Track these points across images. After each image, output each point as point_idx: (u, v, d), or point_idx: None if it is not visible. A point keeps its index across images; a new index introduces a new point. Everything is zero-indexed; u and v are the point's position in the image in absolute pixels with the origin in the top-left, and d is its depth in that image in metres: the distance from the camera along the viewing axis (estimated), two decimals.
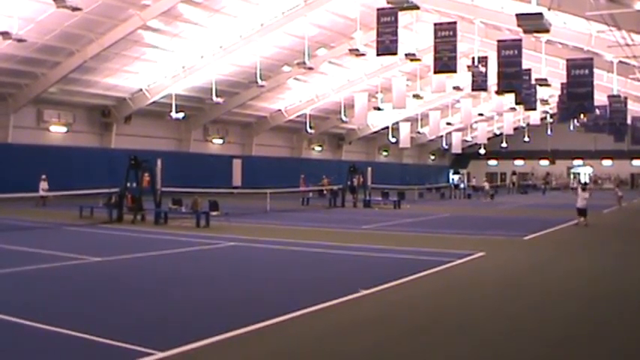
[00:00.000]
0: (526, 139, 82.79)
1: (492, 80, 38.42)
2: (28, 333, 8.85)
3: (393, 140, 69.95)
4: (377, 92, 53.75)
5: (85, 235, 22.46)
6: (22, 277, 13.29)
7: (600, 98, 43.70)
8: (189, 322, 9.63)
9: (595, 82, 33.84)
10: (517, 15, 21.01)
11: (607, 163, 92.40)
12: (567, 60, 34.35)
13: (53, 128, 46.49)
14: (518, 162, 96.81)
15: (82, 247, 18.11)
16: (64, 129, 47.10)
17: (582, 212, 27.16)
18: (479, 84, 38.75)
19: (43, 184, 37.38)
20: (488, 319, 10.06)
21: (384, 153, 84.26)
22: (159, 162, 27.44)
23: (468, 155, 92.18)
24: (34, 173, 38.87)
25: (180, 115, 48.45)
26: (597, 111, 45.86)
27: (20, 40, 30.44)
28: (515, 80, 32.91)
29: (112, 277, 13.59)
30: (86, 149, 47.66)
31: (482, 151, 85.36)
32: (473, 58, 35.66)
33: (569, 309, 10.88)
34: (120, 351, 7.98)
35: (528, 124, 73.80)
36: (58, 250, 17.05)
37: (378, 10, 30.79)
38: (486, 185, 60.78)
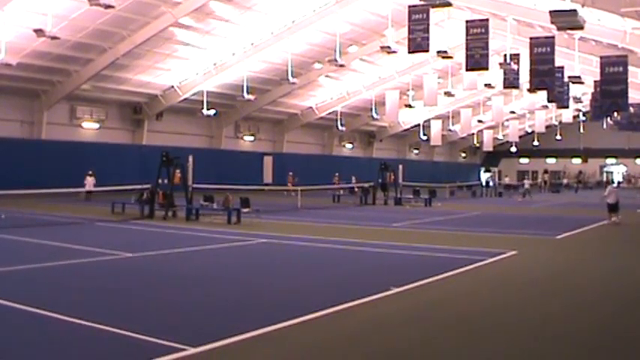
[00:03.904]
0: (558, 137, 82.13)
1: (524, 78, 38.21)
2: (59, 326, 8.92)
3: (424, 138, 69.88)
4: (408, 90, 53.56)
5: (117, 231, 22.61)
6: (55, 272, 13.44)
7: (634, 96, 43.21)
8: (221, 318, 9.67)
9: (629, 80, 33.45)
10: (551, 12, 20.89)
11: None
12: (601, 57, 33.96)
13: (86, 125, 46.97)
14: (550, 160, 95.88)
15: (114, 242, 18.22)
16: (96, 125, 47.57)
17: (611, 208, 26.85)
18: (511, 81, 38.54)
19: (90, 179, 37.67)
20: (520, 319, 9.94)
21: (415, 151, 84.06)
22: (190, 159, 27.61)
23: (500, 153, 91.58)
24: (66, 169, 39.39)
25: (212, 111, 48.71)
26: (631, 109, 45.35)
27: (54, 38, 30.74)
28: (547, 78, 32.60)
29: (144, 273, 13.69)
30: (118, 145, 48.08)
31: (513, 149, 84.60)
32: (505, 56, 35.39)
33: (603, 311, 10.76)
34: (151, 346, 7.99)
35: (560, 122, 73.28)
36: (90, 245, 17.17)
37: (409, 7, 30.71)
38: (526, 183, 56.97)
